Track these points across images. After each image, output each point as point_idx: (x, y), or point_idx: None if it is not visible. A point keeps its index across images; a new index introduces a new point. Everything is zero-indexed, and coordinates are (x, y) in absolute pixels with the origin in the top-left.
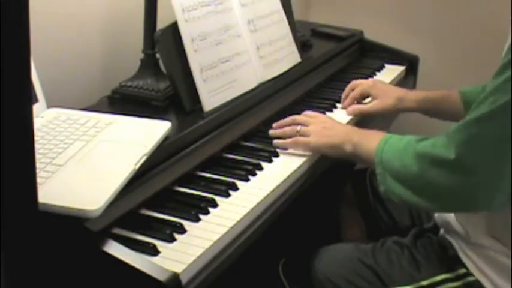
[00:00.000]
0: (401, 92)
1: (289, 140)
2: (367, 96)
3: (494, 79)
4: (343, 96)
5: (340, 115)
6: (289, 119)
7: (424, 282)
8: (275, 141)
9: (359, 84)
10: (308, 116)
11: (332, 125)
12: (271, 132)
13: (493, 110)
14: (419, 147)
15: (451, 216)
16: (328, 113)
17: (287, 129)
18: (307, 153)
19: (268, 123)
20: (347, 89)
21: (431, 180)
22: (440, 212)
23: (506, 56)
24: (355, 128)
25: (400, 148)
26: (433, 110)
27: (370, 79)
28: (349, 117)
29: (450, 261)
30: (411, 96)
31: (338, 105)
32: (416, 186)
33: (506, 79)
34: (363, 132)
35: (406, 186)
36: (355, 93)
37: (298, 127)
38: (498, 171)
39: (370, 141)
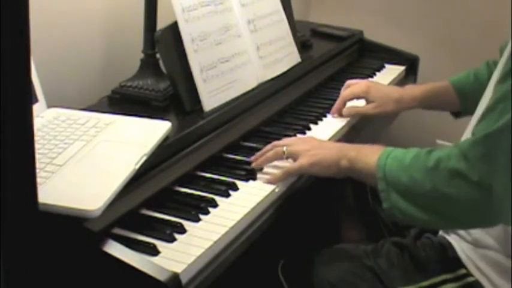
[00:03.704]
0: (397, 92)
1: (278, 172)
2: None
3: (500, 85)
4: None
5: (338, 118)
6: (269, 146)
7: (424, 283)
8: (265, 179)
9: (352, 86)
10: (289, 140)
11: (320, 144)
12: (253, 165)
13: (507, 122)
14: (433, 160)
15: None
16: (328, 114)
17: (269, 153)
18: None
19: (268, 123)
20: (339, 99)
21: (446, 195)
22: (451, 229)
23: (509, 62)
24: (347, 144)
25: (407, 162)
26: (430, 105)
27: (364, 82)
28: (345, 121)
29: (450, 262)
30: (409, 95)
31: None
32: (427, 203)
33: None
34: (358, 146)
35: (415, 202)
36: (346, 95)
37: (284, 148)
38: None
39: (369, 155)
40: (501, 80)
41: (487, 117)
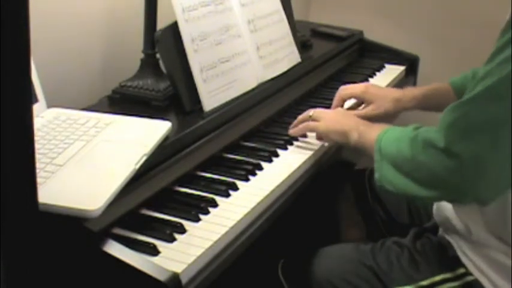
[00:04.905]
0: (396, 93)
1: (300, 126)
2: (361, 103)
3: (486, 65)
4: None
5: None
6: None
7: (424, 282)
8: (289, 131)
9: (349, 88)
10: (321, 109)
11: (344, 113)
12: (290, 128)
13: (477, 94)
14: (415, 132)
15: (450, 212)
16: None
17: (300, 116)
18: (308, 152)
19: (268, 123)
20: (336, 96)
21: (422, 164)
22: (430, 200)
23: (498, 41)
24: (365, 120)
25: (398, 135)
26: (430, 106)
27: (362, 84)
28: None
29: (449, 261)
30: (408, 96)
31: None
32: (409, 171)
33: (498, 63)
34: (370, 123)
35: (399, 171)
36: (344, 94)
37: (311, 112)
38: (485, 157)
39: (374, 131)
40: (487, 61)
41: (467, 94)
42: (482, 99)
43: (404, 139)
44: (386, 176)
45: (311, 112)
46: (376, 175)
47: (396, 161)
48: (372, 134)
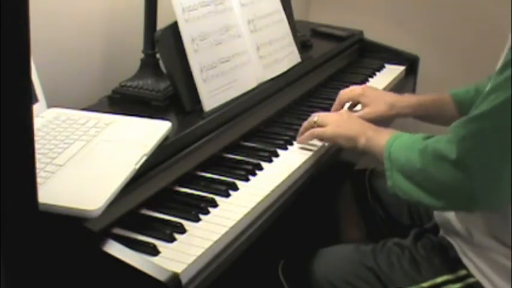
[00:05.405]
0: (393, 97)
1: (306, 133)
2: (358, 104)
3: (496, 77)
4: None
5: None
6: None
7: (425, 284)
8: (297, 139)
9: (348, 92)
10: (324, 113)
11: (349, 116)
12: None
13: (492, 108)
14: (424, 143)
15: (451, 214)
16: None
17: (305, 122)
18: (308, 152)
19: (268, 123)
20: (336, 101)
21: (432, 174)
22: (441, 209)
23: (508, 54)
24: (371, 124)
25: (408, 144)
26: (427, 115)
27: (360, 86)
28: None
29: (451, 263)
30: (403, 101)
31: None
32: (419, 181)
33: (507, 77)
34: (378, 128)
35: (411, 180)
36: (343, 98)
37: (315, 118)
38: (497, 169)
39: (382, 136)
40: (497, 73)
41: (477, 107)
42: (492, 115)
43: (414, 149)
44: (398, 185)
45: (315, 118)
46: (389, 183)
47: (406, 171)
48: (381, 140)
